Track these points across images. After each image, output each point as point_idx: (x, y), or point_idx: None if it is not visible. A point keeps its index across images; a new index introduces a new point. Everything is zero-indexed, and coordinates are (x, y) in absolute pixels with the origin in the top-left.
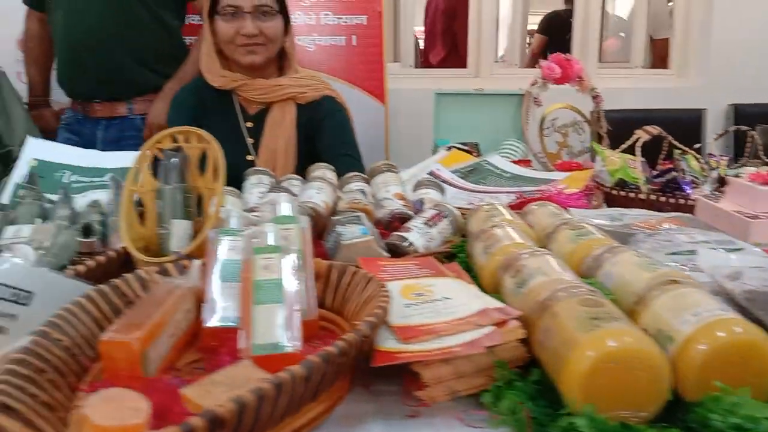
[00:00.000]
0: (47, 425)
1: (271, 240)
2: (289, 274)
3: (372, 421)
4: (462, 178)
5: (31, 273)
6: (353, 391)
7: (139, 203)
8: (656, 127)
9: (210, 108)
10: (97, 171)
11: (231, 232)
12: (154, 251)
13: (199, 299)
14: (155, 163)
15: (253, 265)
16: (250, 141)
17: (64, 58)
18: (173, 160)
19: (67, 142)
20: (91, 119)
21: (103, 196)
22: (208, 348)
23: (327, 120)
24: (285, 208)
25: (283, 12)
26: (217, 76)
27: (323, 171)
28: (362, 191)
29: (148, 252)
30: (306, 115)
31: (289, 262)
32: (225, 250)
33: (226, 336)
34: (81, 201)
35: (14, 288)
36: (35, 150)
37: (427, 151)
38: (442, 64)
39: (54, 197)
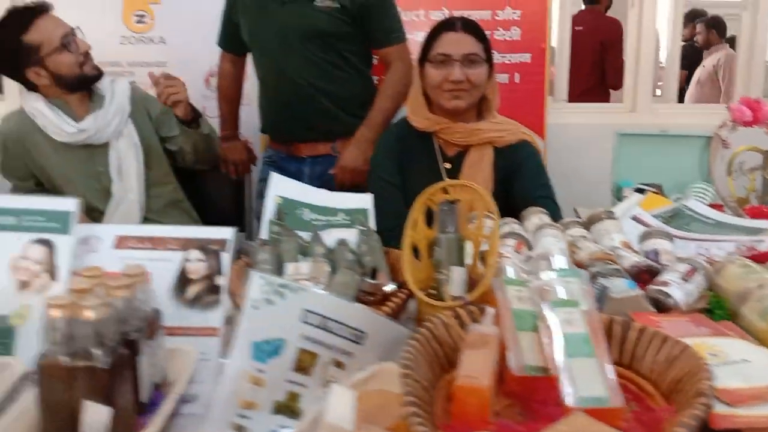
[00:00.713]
0: None
1: (562, 294)
2: (590, 328)
3: None
4: (665, 223)
5: (365, 314)
6: None
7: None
8: None
9: (411, 149)
10: (332, 210)
11: (514, 282)
12: (431, 295)
13: (502, 346)
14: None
15: (553, 318)
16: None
17: (268, 107)
18: (448, 209)
19: None
20: (295, 157)
21: (345, 235)
22: (514, 393)
23: (524, 164)
24: (560, 261)
25: (489, 60)
26: (422, 119)
27: (540, 216)
28: (585, 237)
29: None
30: (503, 158)
31: (585, 315)
32: (513, 299)
33: (533, 384)
34: (327, 239)
35: (353, 328)
36: (279, 187)
37: (596, 190)
38: (585, 96)
39: (302, 234)
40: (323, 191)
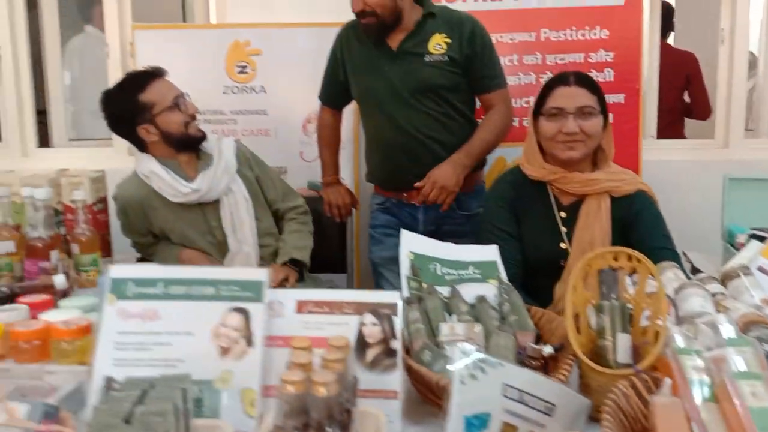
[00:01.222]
0: None
1: (740, 365)
2: None
3: None
4: None
5: (555, 386)
6: None
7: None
8: None
9: (526, 198)
10: (462, 264)
11: (685, 351)
12: (594, 361)
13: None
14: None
15: (737, 390)
16: (563, 230)
17: (378, 158)
18: (610, 276)
19: (389, 223)
20: (407, 204)
21: (481, 290)
22: None
23: (642, 214)
24: (728, 330)
25: (603, 111)
26: (538, 168)
27: (675, 272)
28: (724, 295)
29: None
30: (620, 208)
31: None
32: (689, 369)
33: None
34: (465, 294)
35: (545, 401)
36: (410, 243)
37: (699, 232)
38: (665, 131)
39: (438, 289)
40: (450, 245)
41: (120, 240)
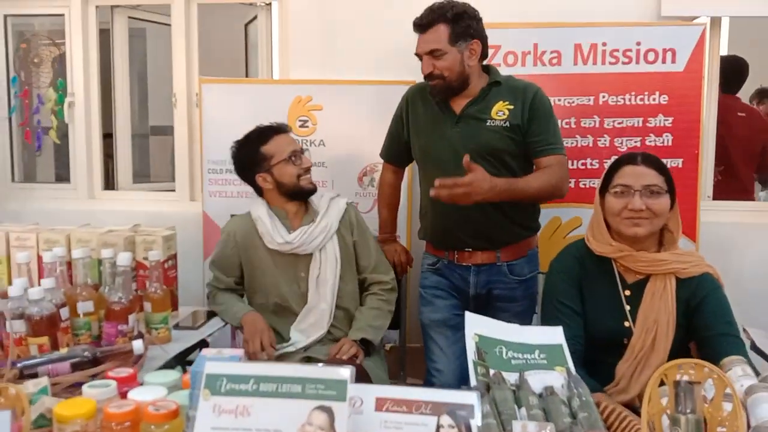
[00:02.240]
0: None
1: None
2: None
3: None
4: None
5: None
6: None
7: None
8: None
9: (591, 274)
10: (528, 347)
11: None
12: None
13: None
14: None
15: None
16: (627, 308)
17: (435, 217)
18: (688, 389)
19: (439, 284)
20: (459, 265)
21: (548, 379)
22: None
23: (708, 297)
24: None
25: (671, 192)
26: (605, 245)
27: (743, 368)
28: None
29: None
30: (685, 289)
31: None
32: None
33: None
34: (533, 383)
35: None
36: (475, 325)
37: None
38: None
39: (505, 375)
40: (514, 326)
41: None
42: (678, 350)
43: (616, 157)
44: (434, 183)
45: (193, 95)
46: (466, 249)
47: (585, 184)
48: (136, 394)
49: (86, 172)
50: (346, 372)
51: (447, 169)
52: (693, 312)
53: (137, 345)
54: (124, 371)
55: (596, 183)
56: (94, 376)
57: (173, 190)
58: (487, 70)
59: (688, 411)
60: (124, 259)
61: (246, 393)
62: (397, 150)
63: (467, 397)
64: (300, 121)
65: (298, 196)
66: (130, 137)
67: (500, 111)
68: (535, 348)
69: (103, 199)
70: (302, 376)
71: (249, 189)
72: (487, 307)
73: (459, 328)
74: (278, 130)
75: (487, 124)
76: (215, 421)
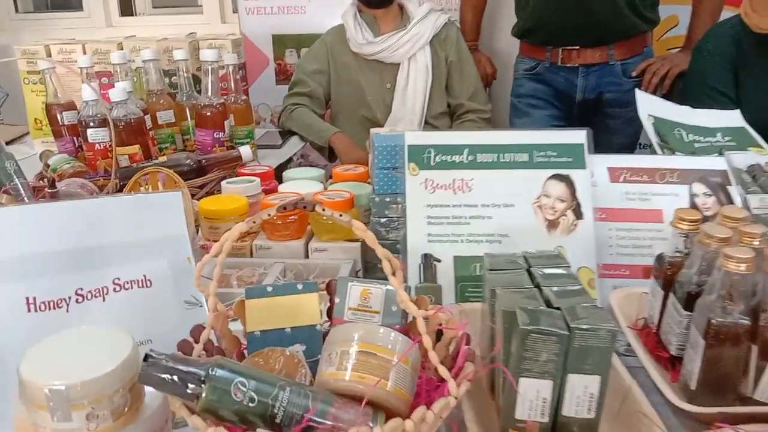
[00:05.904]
0: None
1: None
2: None
3: None
4: None
5: None
6: None
7: None
8: None
9: (750, 55)
10: (710, 130)
11: None
12: None
13: None
14: None
15: None
16: None
17: (535, 4)
18: None
19: (536, 92)
20: (564, 67)
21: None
22: None
23: None
24: None
25: None
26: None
27: None
28: None
29: None
30: None
31: None
32: None
33: None
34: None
35: None
36: (647, 106)
37: None
38: None
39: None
40: (685, 108)
41: None
42: None
43: None
44: None
45: None
46: (573, 46)
47: None
48: (287, 188)
49: None
50: (581, 135)
51: None
52: None
53: (245, 151)
54: (259, 167)
55: None
56: (201, 187)
57: (200, 14)
58: None
59: None
60: (211, 54)
61: (461, 165)
62: None
63: (717, 163)
64: None
65: (377, 4)
66: None
67: None
68: (716, 131)
69: (122, 26)
70: (529, 143)
71: (292, 2)
72: (594, 114)
73: None
74: None
75: None
76: (430, 199)
